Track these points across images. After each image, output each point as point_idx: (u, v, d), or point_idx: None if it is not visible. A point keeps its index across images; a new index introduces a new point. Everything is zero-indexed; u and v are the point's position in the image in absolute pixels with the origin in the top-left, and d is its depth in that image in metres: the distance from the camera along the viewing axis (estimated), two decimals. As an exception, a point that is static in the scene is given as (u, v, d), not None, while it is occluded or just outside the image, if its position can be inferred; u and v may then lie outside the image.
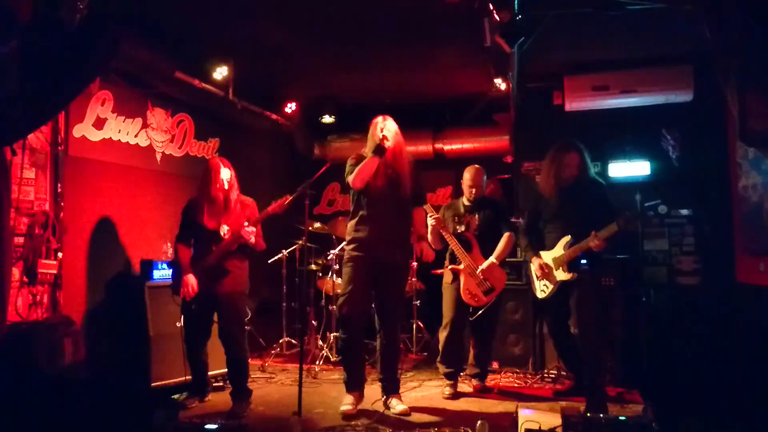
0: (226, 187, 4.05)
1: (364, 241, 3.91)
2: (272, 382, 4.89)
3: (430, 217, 4.31)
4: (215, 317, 4.09)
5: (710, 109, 5.12)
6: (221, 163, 4.11)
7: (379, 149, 3.89)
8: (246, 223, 3.96)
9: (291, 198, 3.98)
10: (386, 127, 3.97)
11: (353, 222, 4.00)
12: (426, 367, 5.33)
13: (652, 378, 4.64)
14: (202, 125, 5.77)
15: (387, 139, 3.90)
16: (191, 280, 3.97)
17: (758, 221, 4.53)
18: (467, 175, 4.55)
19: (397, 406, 3.89)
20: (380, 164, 3.89)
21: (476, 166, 4.60)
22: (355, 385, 3.94)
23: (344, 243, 4.09)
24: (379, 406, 3.94)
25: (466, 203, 4.55)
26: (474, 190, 4.50)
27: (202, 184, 4.10)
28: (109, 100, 4.70)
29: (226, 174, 4.06)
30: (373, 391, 4.10)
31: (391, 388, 4.00)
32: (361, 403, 3.94)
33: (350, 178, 3.93)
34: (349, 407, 3.81)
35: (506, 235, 4.44)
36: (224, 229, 4.01)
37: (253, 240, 3.99)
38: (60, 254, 4.22)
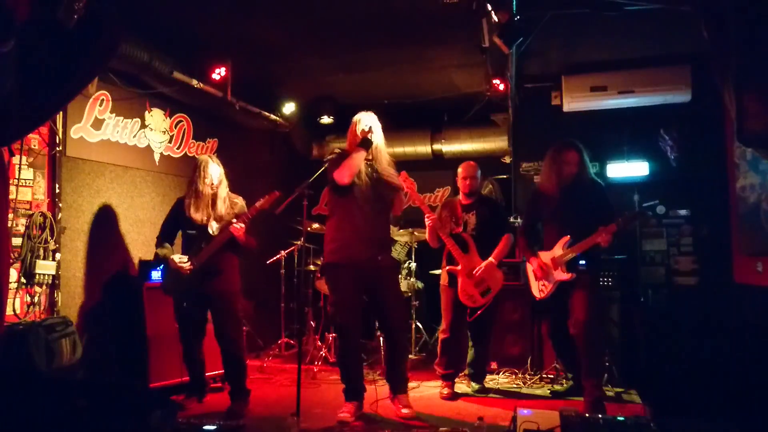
0: (215, 183, 4.04)
1: (343, 245, 3.77)
2: (270, 383, 4.88)
3: (427, 217, 4.31)
4: (209, 316, 4.09)
5: (708, 110, 5.12)
6: (210, 159, 4.10)
7: (366, 141, 3.75)
8: (234, 220, 3.95)
9: (281, 193, 3.93)
10: (370, 122, 3.85)
11: (332, 224, 3.89)
12: (424, 368, 5.32)
13: (650, 378, 4.64)
14: (200, 126, 5.77)
15: (372, 132, 3.79)
16: (177, 257, 3.97)
17: (756, 222, 4.53)
18: (460, 169, 4.56)
19: (402, 409, 3.80)
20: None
21: (469, 161, 4.62)
22: (353, 395, 3.84)
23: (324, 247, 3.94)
24: (377, 407, 3.94)
25: (464, 202, 4.55)
26: (468, 182, 4.50)
27: (190, 180, 4.10)
28: (107, 101, 4.70)
29: (214, 170, 4.05)
30: (371, 391, 4.09)
31: (397, 389, 3.90)
32: (360, 412, 3.83)
33: (335, 173, 3.72)
34: (347, 415, 3.71)
35: (505, 236, 4.43)
36: (213, 227, 4.00)
37: (243, 236, 3.97)
38: (58, 255, 4.22)
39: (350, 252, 3.76)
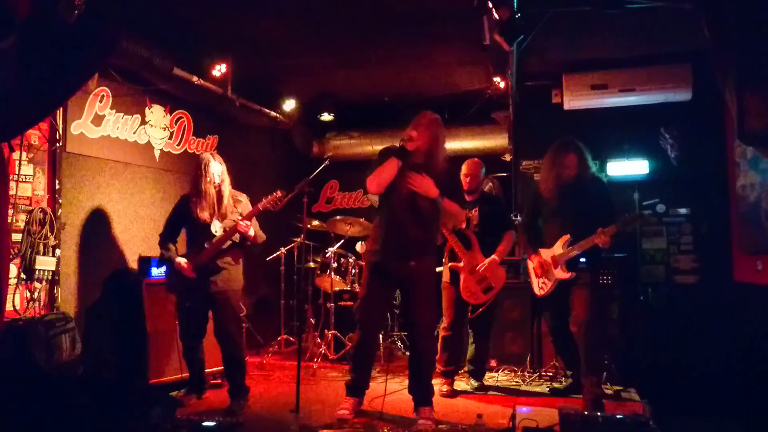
0: (217, 180, 4.01)
1: (378, 250, 3.71)
2: (270, 380, 4.89)
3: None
4: (210, 315, 4.09)
5: (709, 108, 5.12)
6: (212, 156, 4.07)
7: (401, 152, 3.49)
8: (240, 218, 3.94)
9: (284, 193, 3.92)
10: (420, 123, 3.59)
11: (375, 222, 3.84)
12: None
13: (650, 376, 4.65)
14: (200, 122, 5.76)
15: (413, 139, 3.51)
16: (183, 261, 3.96)
17: (756, 220, 4.53)
18: (464, 167, 4.55)
19: (421, 420, 3.58)
20: (405, 167, 3.52)
21: (474, 158, 4.62)
22: (356, 391, 3.82)
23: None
24: (378, 404, 3.94)
25: (466, 199, 4.55)
26: (469, 179, 4.49)
27: (193, 179, 4.07)
28: (107, 97, 4.70)
29: (216, 168, 4.01)
30: (372, 388, 4.09)
31: (421, 401, 3.73)
32: (359, 409, 3.82)
33: (367, 179, 3.58)
34: (346, 412, 3.69)
35: (507, 233, 4.44)
36: (216, 226, 3.99)
37: (252, 233, 3.97)
38: (58, 251, 4.22)
39: (383, 257, 3.69)
